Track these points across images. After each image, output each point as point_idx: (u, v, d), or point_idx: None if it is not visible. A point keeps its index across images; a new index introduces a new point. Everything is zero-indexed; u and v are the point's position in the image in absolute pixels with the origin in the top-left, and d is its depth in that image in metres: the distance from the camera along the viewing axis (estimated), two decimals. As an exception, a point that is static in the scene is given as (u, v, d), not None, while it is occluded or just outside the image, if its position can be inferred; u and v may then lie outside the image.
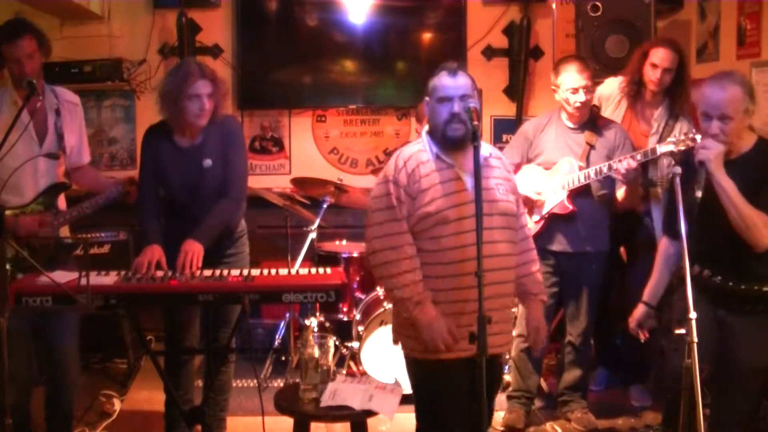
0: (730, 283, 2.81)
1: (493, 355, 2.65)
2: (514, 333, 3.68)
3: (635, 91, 3.96)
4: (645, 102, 3.99)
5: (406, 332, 2.73)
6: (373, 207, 2.72)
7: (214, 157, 3.28)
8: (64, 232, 3.40)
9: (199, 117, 3.21)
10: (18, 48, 3.14)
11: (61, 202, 3.39)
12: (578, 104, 3.68)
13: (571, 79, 3.67)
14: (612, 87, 4.12)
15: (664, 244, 3.12)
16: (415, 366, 2.75)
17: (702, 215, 2.70)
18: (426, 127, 2.79)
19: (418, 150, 2.73)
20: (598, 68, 4.26)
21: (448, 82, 2.66)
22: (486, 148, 2.75)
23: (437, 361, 2.63)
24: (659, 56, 3.82)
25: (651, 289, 3.10)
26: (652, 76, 3.86)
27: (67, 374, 3.36)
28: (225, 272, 3.02)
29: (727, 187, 2.69)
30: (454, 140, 2.65)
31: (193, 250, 3.07)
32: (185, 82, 3.16)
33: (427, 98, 2.74)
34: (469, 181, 2.65)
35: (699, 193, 2.65)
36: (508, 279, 2.73)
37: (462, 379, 2.58)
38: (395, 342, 2.84)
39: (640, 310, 3.11)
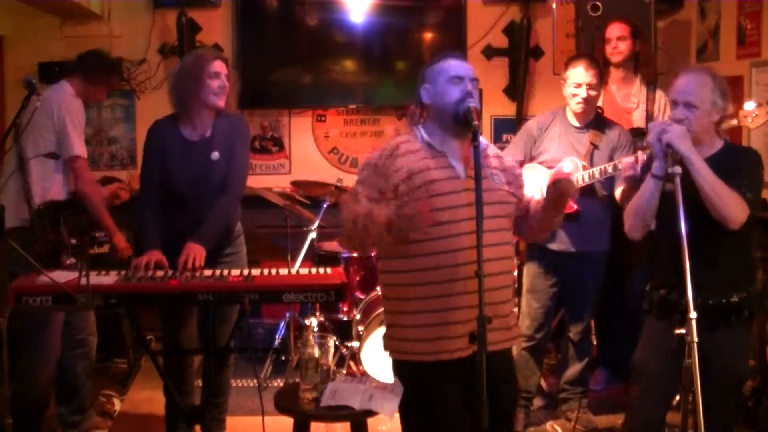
0: (698, 301, 2.56)
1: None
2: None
3: (604, 74, 4.02)
4: (619, 82, 4.20)
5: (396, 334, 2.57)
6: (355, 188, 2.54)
7: (221, 150, 3.31)
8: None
9: (219, 96, 3.26)
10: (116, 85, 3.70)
11: None
12: (579, 99, 3.67)
13: (576, 74, 3.67)
14: None
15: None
16: (402, 369, 2.60)
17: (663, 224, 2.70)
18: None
19: (406, 140, 2.58)
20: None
21: (458, 64, 2.55)
22: (483, 141, 2.60)
23: (425, 363, 2.49)
24: (609, 30, 4.16)
25: None
26: (609, 49, 4.15)
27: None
28: (225, 272, 3.01)
29: (697, 162, 2.60)
30: (468, 116, 2.44)
31: (195, 251, 3.09)
32: (206, 61, 3.25)
33: (427, 85, 2.57)
34: (460, 169, 2.51)
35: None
36: (507, 284, 2.60)
37: (452, 387, 2.48)
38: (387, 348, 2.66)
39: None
